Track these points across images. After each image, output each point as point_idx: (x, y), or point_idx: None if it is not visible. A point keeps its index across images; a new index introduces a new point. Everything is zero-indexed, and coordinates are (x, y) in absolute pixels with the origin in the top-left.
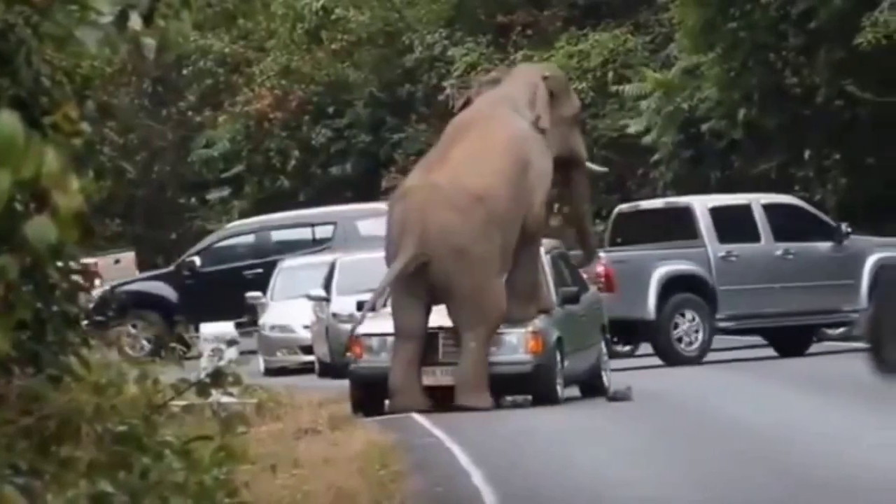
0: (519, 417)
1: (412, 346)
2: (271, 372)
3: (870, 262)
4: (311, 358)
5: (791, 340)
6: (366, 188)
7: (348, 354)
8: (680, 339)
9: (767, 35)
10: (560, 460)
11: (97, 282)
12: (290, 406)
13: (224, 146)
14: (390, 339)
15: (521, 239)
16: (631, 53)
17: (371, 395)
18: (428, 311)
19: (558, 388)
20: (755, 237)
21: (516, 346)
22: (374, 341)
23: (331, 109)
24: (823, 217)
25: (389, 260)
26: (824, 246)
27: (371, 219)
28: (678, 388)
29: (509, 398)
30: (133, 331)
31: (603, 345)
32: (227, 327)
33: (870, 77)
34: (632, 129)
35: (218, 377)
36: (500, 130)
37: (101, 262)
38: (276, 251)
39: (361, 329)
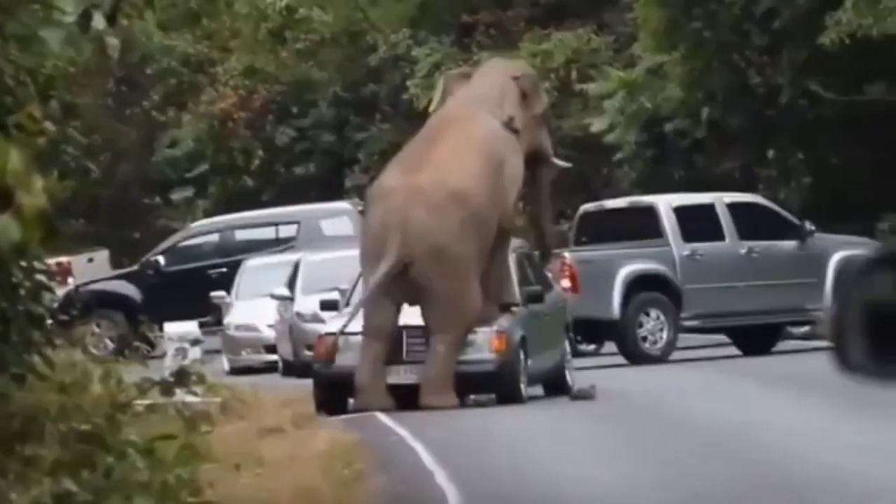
0: (482, 417)
1: (381, 345)
2: (236, 371)
3: (833, 260)
4: (273, 357)
5: (755, 339)
6: (330, 188)
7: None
8: (644, 339)
9: (731, 35)
10: (523, 459)
11: (70, 280)
12: (253, 405)
13: (188, 146)
14: (353, 338)
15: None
16: (595, 53)
17: (334, 395)
18: (398, 311)
19: (522, 387)
20: (719, 236)
21: (481, 345)
22: (339, 340)
23: (294, 109)
24: (787, 216)
25: (366, 258)
26: (788, 244)
27: (335, 218)
28: (642, 388)
29: (473, 397)
30: (97, 330)
31: (566, 344)
32: (191, 326)
33: (833, 76)
34: (595, 128)
35: (182, 376)
36: (476, 130)
37: (74, 260)
38: (240, 250)
39: (325, 329)
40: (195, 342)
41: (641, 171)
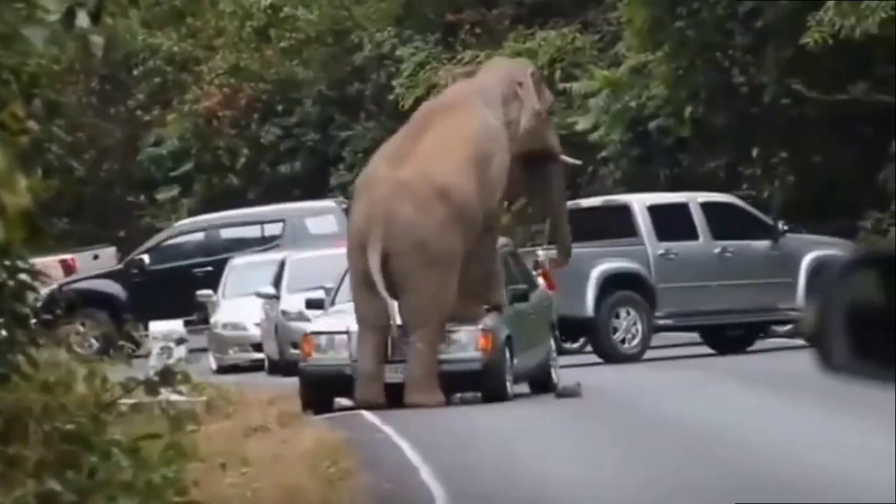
0: (467, 414)
1: (377, 338)
2: (222, 370)
3: (806, 260)
4: (261, 355)
5: (728, 338)
6: (315, 186)
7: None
8: (621, 338)
9: (715, 34)
10: (508, 457)
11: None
12: (239, 404)
13: (173, 144)
14: (338, 337)
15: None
16: (579, 52)
17: (321, 393)
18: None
19: (508, 385)
20: (693, 235)
21: (466, 344)
22: (323, 339)
23: (280, 107)
24: (760, 216)
25: (350, 251)
26: (761, 244)
27: (320, 216)
28: (623, 386)
29: (458, 395)
30: (81, 329)
31: (552, 342)
32: (175, 325)
33: (816, 76)
34: (580, 127)
35: (167, 375)
36: (465, 123)
37: (79, 258)
38: (225, 249)
39: (311, 327)
40: (180, 341)
41: (626, 169)
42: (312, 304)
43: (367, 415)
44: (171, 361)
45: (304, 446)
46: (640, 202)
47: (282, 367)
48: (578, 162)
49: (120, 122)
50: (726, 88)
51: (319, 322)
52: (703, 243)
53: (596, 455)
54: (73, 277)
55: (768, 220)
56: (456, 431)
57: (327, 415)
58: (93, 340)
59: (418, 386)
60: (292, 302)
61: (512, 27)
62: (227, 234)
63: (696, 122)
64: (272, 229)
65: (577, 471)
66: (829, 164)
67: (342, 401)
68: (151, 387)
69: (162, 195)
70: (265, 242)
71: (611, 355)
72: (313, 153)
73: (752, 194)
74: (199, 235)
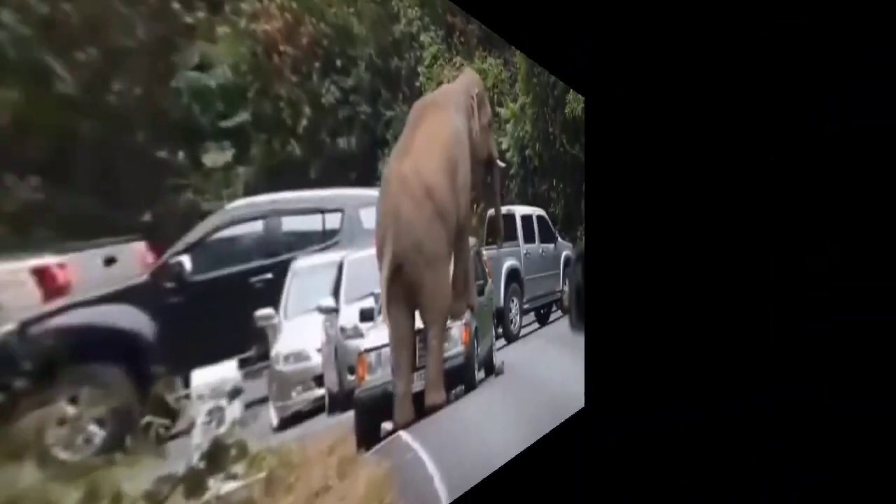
0: (458, 408)
1: (403, 352)
2: (285, 423)
3: (562, 256)
4: (323, 391)
5: (542, 314)
6: (367, 169)
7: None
8: (511, 321)
9: (545, 93)
10: (480, 441)
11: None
12: (302, 466)
13: (224, 75)
14: (385, 350)
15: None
16: (503, 83)
17: (371, 422)
18: (412, 313)
19: (476, 373)
20: (534, 239)
21: (456, 339)
22: (373, 356)
23: (339, 62)
24: (552, 225)
25: (377, 251)
26: (551, 246)
27: (373, 208)
28: (517, 359)
29: (454, 391)
30: (71, 412)
31: (493, 329)
32: (227, 370)
33: (572, 136)
34: (504, 146)
35: (217, 456)
36: (446, 124)
37: (76, 262)
38: (287, 247)
39: (364, 344)
40: (234, 393)
41: (519, 186)
42: (365, 316)
43: (403, 434)
44: (222, 430)
45: (358, 495)
46: (518, 212)
47: (340, 400)
48: (504, 164)
49: (145, 11)
50: (549, 135)
51: (371, 336)
52: (537, 245)
53: (508, 417)
54: (60, 303)
55: (553, 228)
56: (456, 430)
57: (377, 446)
58: (93, 429)
59: (434, 386)
60: (350, 315)
61: (477, 45)
62: (288, 224)
63: (540, 156)
64: (331, 221)
65: (503, 433)
66: (564, 195)
67: (387, 425)
68: (195, 481)
69: (211, 157)
70: (325, 238)
71: (509, 337)
72: (366, 129)
73: (554, 212)
74: (258, 225)
